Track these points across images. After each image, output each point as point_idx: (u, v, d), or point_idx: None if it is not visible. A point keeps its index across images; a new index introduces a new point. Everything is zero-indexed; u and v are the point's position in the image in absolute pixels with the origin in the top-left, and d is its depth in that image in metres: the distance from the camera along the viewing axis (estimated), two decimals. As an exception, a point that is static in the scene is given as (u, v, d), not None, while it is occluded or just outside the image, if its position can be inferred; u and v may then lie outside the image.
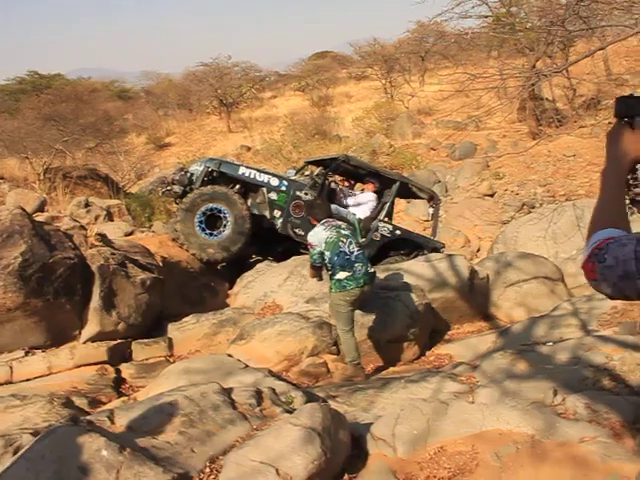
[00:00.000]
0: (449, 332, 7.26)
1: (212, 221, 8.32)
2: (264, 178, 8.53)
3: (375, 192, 9.28)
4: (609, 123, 16.16)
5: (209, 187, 8.31)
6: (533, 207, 14.23)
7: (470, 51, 25.03)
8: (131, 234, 9.27)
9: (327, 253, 5.73)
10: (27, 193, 9.47)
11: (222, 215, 8.29)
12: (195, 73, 35.42)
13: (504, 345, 6.02)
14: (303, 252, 7.99)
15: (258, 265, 8.49)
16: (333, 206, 8.89)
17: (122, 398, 5.58)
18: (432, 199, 9.75)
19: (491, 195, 15.80)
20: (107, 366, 6.16)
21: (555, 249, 10.17)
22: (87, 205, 10.90)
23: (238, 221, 8.25)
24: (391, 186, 9.19)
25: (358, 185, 10.28)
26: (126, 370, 6.25)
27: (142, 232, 9.44)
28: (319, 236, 5.77)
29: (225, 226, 8.29)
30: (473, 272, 7.56)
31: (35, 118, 22.23)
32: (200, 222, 8.21)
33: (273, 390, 4.28)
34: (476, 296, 7.54)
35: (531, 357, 5.32)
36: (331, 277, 5.83)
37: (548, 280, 7.75)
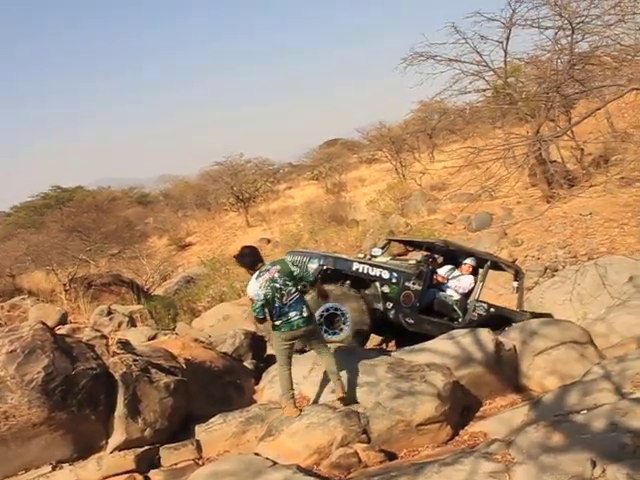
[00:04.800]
0: (481, 408, 7.06)
1: (330, 319, 8.30)
2: (376, 272, 8.56)
3: (471, 273, 9.56)
4: (622, 178, 16.23)
5: (328, 287, 8.10)
6: (556, 270, 14.05)
7: (475, 123, 25.56)
8: (154, 338, 9.28)
9: (268, 306, 6.28)
10: (48, 307, 9.64)
11: (340, 313, 8.26)
12: (210, 173, 36.48)
13: (537, 417, 5.84)
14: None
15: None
16: (433, 291, 9.11)
17: (151, 508, 5.47)
18: (517, 274, 10.02)
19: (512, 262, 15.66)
20: (136, 475, 6.04)
21: (583, 310, 10.02)
22: (110, 313, 11.01)
23: (357, 319, 8.23)
24: (483, 265, 9.50)
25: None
26: (155, 477, 6.11)
27: (165, 335, 9.45)
28: (256, 291, 6.28)
29: (345, 324, 8.26)
30: (499, 344, 7.43)
31: (59, 231, 22.88)
32: (320, 321, 8.10)
33: (300, 487, 4.17)
34: (505, 368, 7.38)
35: (566, 427, 5.15)
36: (272, 321, 6.41)
37: (577, 344, 7.58)
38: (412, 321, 8.65)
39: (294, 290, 6.36)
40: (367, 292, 8.58)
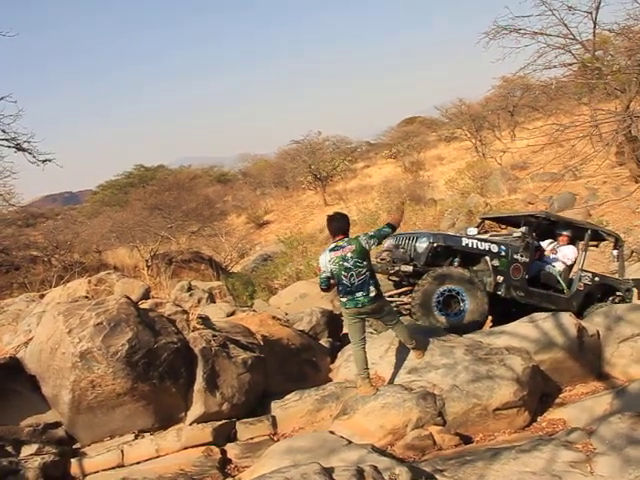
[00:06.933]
0: (561, 395, 6.86)
1: (447, 302, 8.14)
2: (485, 246, 8.47)
3: (569, 243, 9.49)
4: None
5: (446, 269, 8.16)
6: (644, 254, 13.47)
7: (559, 100, 24.56)
8: (232, 314, 9.47)
9: (333, 279, 6.39)
10: (132, 282, 9.94)
11: (459, 296, 8.12)
12: (288, 152, 36.71)
13: (622, 407, 5.62)
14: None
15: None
16: (537, 264, 9.05)
17: (227, 479, 5.61)
18: (617, 242, 9.89)
19: (596, 245, 15.06)
20: (213, 447, 6.21)
21: (672, 296, 9.58)
22: (190, 289, 11.31)
23: (475, 300, 8.09)
24: (583, 235, 9.41)
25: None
26: (231, 450, 6.26)
27: (243, 311, 9.61)
28: (325, 264, 6.41)
29: (463, 307, 8.12)
30: (581, 329, 7.18)
31: (142, 208, 23.70)
32: (438, 302, 8.07)
33: (375, 468, 4.18)
34: (587, 355, 7.13)
35: (653, 419, 4.93)
36: (339, 296, 6.57)
37: (666, 332, 7.24)
38: (523, 294, 8.52)
39: (364, 271, 6.32)
40: (476, 268, 8.45)
